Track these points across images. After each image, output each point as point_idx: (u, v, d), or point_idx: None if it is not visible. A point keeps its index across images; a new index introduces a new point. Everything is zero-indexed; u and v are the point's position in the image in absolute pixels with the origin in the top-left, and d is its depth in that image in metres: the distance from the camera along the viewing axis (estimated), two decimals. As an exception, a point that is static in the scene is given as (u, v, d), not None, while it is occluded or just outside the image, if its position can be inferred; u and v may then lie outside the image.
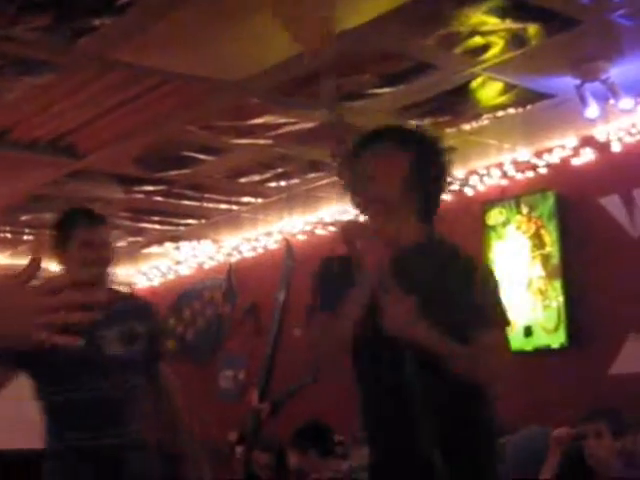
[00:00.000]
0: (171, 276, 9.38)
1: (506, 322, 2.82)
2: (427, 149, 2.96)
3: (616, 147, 5.99)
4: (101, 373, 3.65)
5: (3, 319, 1.52)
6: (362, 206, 3.01)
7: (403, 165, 2.84)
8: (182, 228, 8.08)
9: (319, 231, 7.79)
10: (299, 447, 6.11)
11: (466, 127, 5.92)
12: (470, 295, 2.70)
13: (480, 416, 2.73)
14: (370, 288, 2.63)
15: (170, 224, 7.95)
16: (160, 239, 8.35)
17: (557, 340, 6.18)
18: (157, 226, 7.80)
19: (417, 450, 2.62)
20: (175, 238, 8.35)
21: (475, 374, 2.63)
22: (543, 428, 5.43)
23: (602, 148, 6.07)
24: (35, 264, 1.57)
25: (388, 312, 2.56)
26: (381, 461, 2.80)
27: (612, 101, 5.32)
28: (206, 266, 8.98)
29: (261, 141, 6.06)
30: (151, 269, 9.46)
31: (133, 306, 3.95)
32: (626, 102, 5.37)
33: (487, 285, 2.80)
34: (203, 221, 7.89)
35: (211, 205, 7.44)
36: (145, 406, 3.83)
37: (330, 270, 2.90)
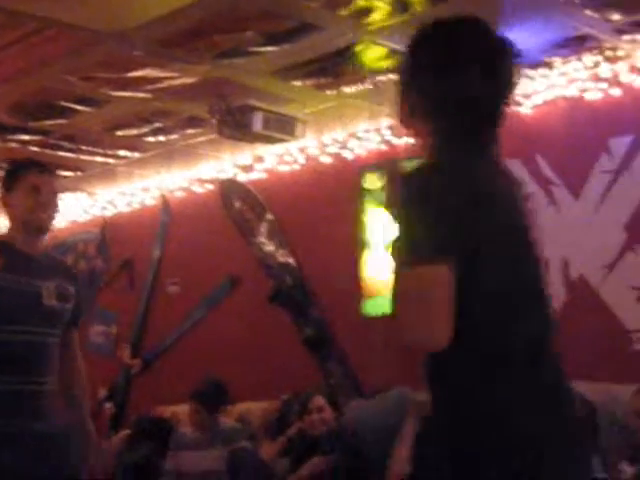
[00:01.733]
0: (44, 228, 9.21)
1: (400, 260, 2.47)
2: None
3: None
4: (36, 320, 3.74)
5: None
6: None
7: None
8: (57, 180, 7.94)
9: (197, 188, 7.73)
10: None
11: (347, 90, 5.93)
12: None
13: None
14: None
15: (45, 175, 7.81)
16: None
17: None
18: (32, 177, 7.67)
19: None
20: (50, 190, 8.22)
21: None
22: (402, 391, 5.52)
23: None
24: None
25: None
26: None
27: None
28: (80, 219, 8.86)
29: (140, 94, 5.97)
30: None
31: (63, 266, 4.10)
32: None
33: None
34: (79, 173, 7.76)
35: (87, 157, 7.32)
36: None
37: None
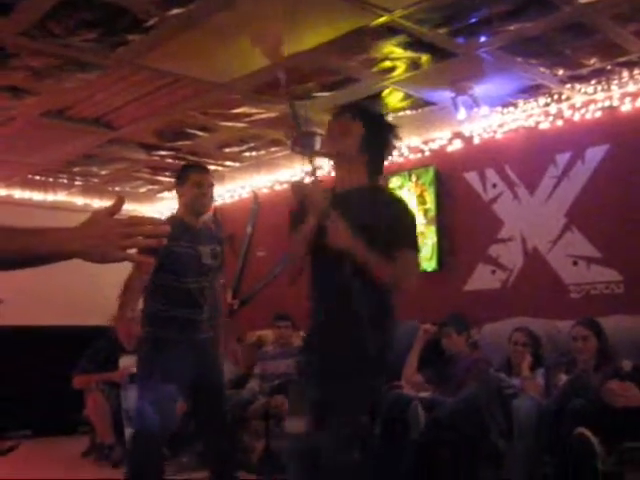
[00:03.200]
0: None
1: (409, 244, 2.69)
2: (376, 123, 2.91)
3: (476, 140, 6.02)
4: (197, 273, 3.89)
5: (93, 239, 1.48)
6: (329, 157, 3.09)
7: (357, 131, 2.78)
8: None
9: (276, 187, 7.77)
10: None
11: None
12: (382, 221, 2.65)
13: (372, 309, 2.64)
14: (318, 217, 2.63)
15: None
16: (170, 188, 8.26)
17: (431, 266, 6.25)
18: (167, 179, 7.70)
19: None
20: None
21: (386, 278, 2.62)
22: (415, 323, 5.49)
23: (467, 140, 6.10)
24: (119, 202, 1.54)
25: (330, 230, 2.56)
26: (308, 334, 2.87)
27: (475, 109, 5.33)
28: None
29: (240, 124, 6.01)
30: (163, 208, 9.37)
31: (215, 232, 4.21)
32: (484, 110, 5.39)
33: (388, 209, 2.71)
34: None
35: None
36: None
37: (296, 213, 2.84)
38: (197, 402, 4.00)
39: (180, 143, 6.54)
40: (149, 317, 3.89)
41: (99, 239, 1.48)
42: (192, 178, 3.95)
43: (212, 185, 4.02)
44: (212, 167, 7.36)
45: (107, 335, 6.29)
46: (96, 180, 7.77)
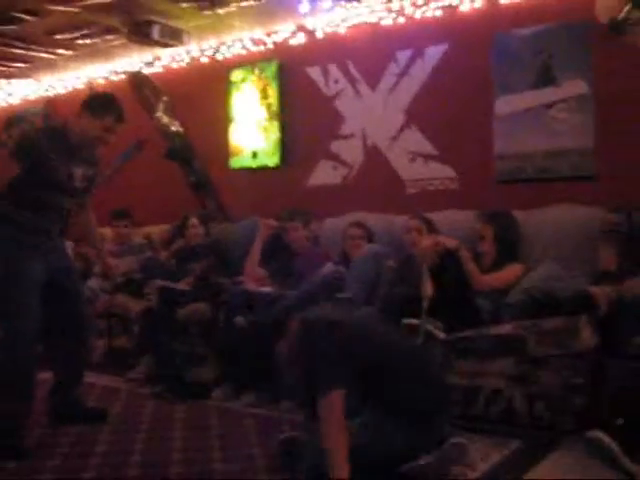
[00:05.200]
0: (4, 104, 8.72)
1: None
2: None
3: (319, 34, 5.96)
4: (65, 192, 3.78)
5: None
6: None
7: None
8: (12, 69, 7.47)
9: (113, 77, 7.42)
10: None
11: (219, 11, 5.73)
12: None
13: None
14: None
15: (3, 66, 7.33)
16: (-3, 76, 7.75)
17: (273, 161, 6.26)
18: (-7, 66, 7.22)
19: None
20: (7, 76, 7.74)
21: None
22: (256, 219, 5.53)
23: (310, 34, 6.03)
24: None
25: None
26: None
27: (319, 2, 5.26)
28: (30, 98, 8.40)
29: (72, 9, 5.63)
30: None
31: (89, 154, 3.91)
32: (327, 4, 5.33)
33: None
34: (28, 65, 7.33)
35: (34, 53, 6.90)
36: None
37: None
38: (51, 303, 3.77)
39: (5, 28, 6.07)
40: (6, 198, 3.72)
41: None
42: (107, 120, 3.76)
43: (114, 133, 3.82)
44: (42, 55, 6.94)
45: None
46: None
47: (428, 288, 3.73)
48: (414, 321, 3.75)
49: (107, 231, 6.37)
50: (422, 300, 3.71)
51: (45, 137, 3.71)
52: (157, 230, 6.58)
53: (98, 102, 3.82)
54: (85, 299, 4.31)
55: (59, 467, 3.27)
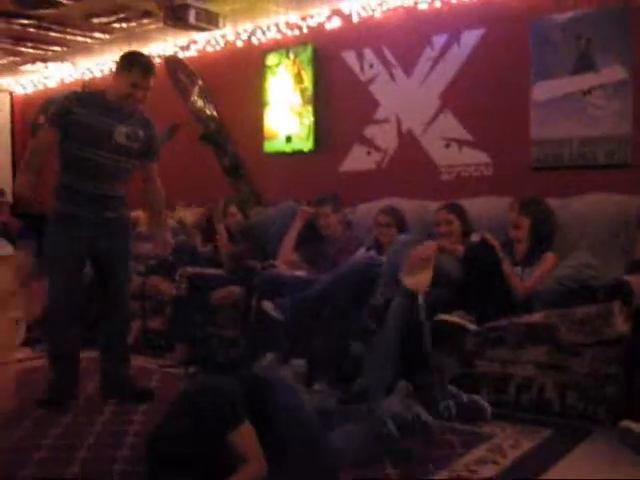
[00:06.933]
0: (41, 87, 8.84)
1: None
2: None
3: (355, 18, 5.95)
4: (111, 150, 3.82)
5: None
6: None
7: None
8: (49, 53, 7.55)
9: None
10: None
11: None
12: None
13: None
14: None
15: (40, 49, 7.41)
16: (33, 59, 7.81)
17: (307, 146, 6.27)
18: (31, 50, 7.28)
19: None
20: (44, 59, 7.82)
21: None
22: (295, 203, 5.59)
23: (346, 18, 6.02)
24: None
25: None
26: None
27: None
28: (67, 81, 8.50)
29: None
30: (26, 82, 8.89)
31: (140, 117, 3.98)
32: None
33: None
34: (65, 48, 7.40)
35: (71, 37, 6.97)
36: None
37: None
38: (100, 275, 4.04)
39: (43, 11, 6.14)
40: (56, 190, 3.85)
41: None
42: (133, 74, 3.79)
43: (148, 88, 3.84)
44: (79, 38, 7.01)
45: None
46: (-49, 49, 7.25)
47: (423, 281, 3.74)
48: (446, 317, 3.77)
49: (140, 214, 6.44)
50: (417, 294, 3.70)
51: (75, 99, 3.82)
52: (189, 214, 6.64)
53: (126, 58, 3.89)
54: (130, 279, 4.40)
55: (95, 445, 3.34)
